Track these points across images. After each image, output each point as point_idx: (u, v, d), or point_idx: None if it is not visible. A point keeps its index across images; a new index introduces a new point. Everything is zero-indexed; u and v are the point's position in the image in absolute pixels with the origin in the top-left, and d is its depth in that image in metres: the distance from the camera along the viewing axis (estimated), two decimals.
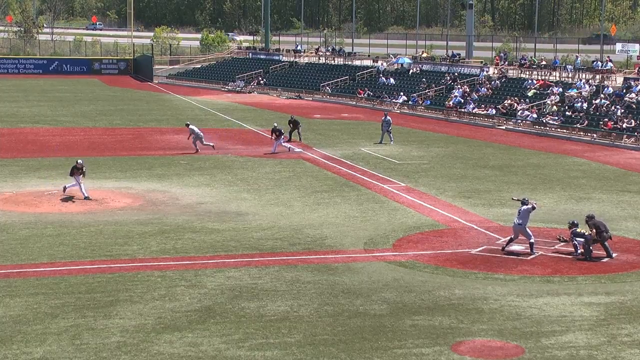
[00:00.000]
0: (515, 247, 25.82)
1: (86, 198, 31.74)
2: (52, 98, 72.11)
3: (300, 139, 48.07)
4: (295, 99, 75.39)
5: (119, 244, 25.85)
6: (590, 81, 60.25)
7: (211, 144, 44.37)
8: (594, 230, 24.87)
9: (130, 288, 21.50)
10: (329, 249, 25.86)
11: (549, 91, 59.87)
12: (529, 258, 24.96)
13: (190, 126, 44.26)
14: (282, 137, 44.28)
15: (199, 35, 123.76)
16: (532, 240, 25.38)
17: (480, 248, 26.07)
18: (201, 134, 44.06)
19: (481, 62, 71.98)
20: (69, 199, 32.01)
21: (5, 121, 55.92)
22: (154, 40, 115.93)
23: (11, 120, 56.32)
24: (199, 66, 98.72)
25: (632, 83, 56.46)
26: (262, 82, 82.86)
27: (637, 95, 54.55)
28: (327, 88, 75.97)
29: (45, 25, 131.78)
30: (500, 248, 25.86)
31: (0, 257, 24.15)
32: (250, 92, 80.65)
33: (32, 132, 51.33)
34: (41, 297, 20.62)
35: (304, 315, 19.76)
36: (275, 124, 45.36)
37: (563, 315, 20.04)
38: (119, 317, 19.32)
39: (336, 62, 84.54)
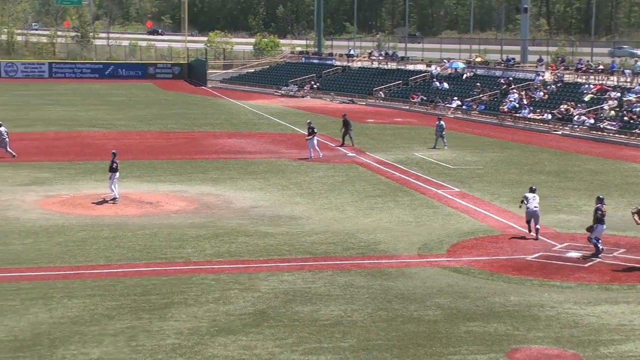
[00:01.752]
0: (572, 254, 25.53)
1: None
2: (108, 102, 73.02)
3: (352, 143, 47.95)
4: (348, 103, 75.34)
5: (174, 246, 26.04)
6: None
7: (13, 153, 42.20)
8: None
9: (185, 291, 21.63)
10: (382, 253, 25.76)
11: (606, 96, 59.05)
12: (586, 265, 24.62)
13: (2, 128, 42.49)
14: (315, 136, 43.98)
15: (252, 40, 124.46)
16: (537, 226, 27.54)
17: (536, 254, 25.76)
18: (7, 139, 42.33)
19: (536, 65, 71.09)
20: (109, 201, 32.34)
21: (63, 124, 56.74)
22: (208, 44, 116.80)
23: (69, 124, 57.11)
24: (252, 70, 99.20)
25: None
26: (315, 86, 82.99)
27: None
28: (380, 92, 75.81)
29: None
30: (534, 237, 27.21)
31: (58, 258, 24.49)
32: (303, 97, 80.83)
33: (88, 135, 52.01)
34: (98, 298, 20.85)
35: (357, 320, 19.70)
36: (309, 121, 45.34)
37: (622, 324, 19.69)
38: (174, 320, 19.45)
39: (389, 66, 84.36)
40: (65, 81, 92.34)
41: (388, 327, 19.27)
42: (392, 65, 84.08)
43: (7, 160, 41.05)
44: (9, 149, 42.28)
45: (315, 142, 43.77)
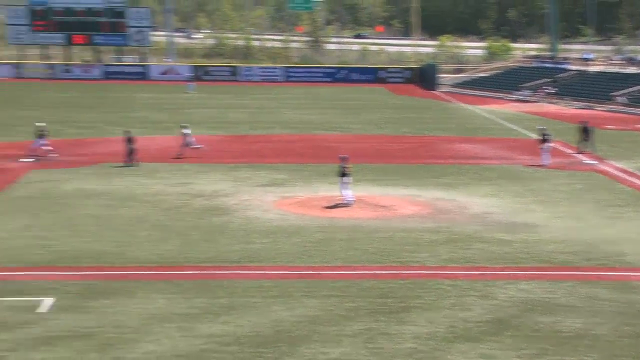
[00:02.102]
0: None
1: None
2: (341, 105, 74.35)
3: (593, 150, 45.97)
4: (584, 109, 72.61)
5: (409, 250, 25.94)
6: None
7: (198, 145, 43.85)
8: None
9: (421, 295, 21.47)
10: (628, 266, 24.47)
11: None
12: None
13: (187, 130, 43.80)
14: (548, 143, 42.40)
15: (483, 44, 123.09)
16: None
17: None
18: (191, 139, 43.69)
19: None
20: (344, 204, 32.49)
21: (297, 127, 58.26)
22: (438, 49, 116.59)
23: (303, 127, 58.55)
24: (485, 75, 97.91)
25: None
26: (549, 91, 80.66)
27: None
28: (621, 98, 72.48)
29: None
30: None
31: (296, 258, 25.02)
32: (537, 102, 78.78)
33: (323, 138, 53.03)
34: (335, 299, 21.08)
35: (601, 334, 18.81)
36: (540, 127, 43.89)
37: None
38: (411, 324, 19.33)
39: (629, 70, 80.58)
40: (298, 85, 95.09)
41: (635, 344, 18.27)
42: (633, 70, 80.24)
43: (245, 161, 42.58)
44: (195, 147, 43.84)
45: (547, 149, 42.44)
